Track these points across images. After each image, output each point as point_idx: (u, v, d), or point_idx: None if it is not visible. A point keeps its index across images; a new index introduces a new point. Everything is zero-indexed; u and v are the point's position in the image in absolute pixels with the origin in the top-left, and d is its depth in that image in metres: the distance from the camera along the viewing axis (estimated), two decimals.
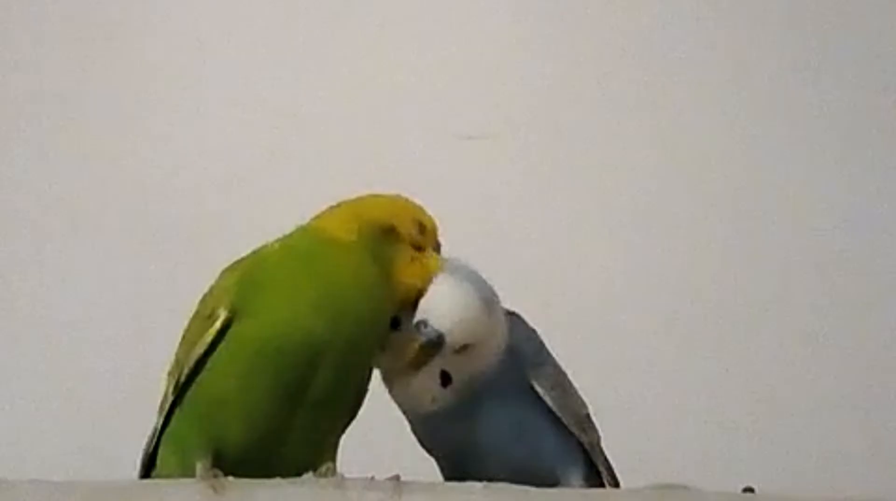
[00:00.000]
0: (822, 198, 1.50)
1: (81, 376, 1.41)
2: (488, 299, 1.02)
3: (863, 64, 1.52)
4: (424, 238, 1.04)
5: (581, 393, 1.08)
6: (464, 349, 1.01)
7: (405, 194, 1.05)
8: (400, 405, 1.05)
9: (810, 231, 1.49)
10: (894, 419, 1.42)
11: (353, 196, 1.04)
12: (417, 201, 1.05)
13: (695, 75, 1.52)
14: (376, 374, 1.04)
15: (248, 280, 0.99)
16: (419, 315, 1.00)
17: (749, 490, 1.05)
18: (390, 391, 1.04)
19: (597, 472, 1.07)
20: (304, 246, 1.01)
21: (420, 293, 1.01)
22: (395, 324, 1.02)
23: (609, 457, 1.08)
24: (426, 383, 1.02)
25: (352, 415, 1.03)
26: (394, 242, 1.02)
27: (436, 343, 0.99)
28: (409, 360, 1.00)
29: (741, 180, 1.50)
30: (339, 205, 1.04)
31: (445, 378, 1.02)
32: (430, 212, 1.05)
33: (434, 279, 1.01)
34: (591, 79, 1.52)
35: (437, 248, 1.05)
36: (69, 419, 1.39)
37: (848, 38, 1.53)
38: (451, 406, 1.02)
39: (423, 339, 0.99)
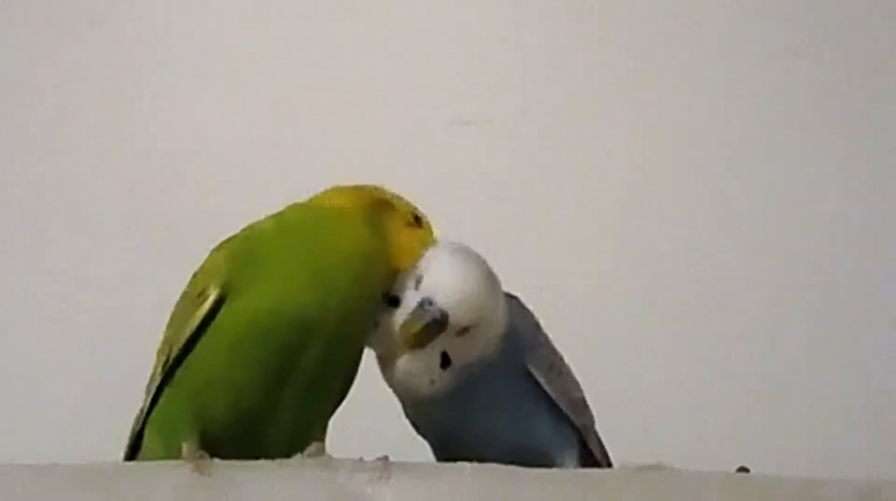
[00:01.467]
0: (817, 189, 1.49)
1: (68, 359, 1.41)
2: (492, 281, 1.01)
3: (857, 52, 1.51)
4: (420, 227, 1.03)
5: (577, 377, 1.08)
6: (465, 331, 0.99)
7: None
8: (395, 387, 1.03)
9: (801, 218, 1.49)
10: (889, 400, 1.42)
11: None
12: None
13: (689, 62, 1.52)
14: (367, 354, 1.03)
15: (239, 257, 0.98)
16: (423, 293, 0.99)
17: (743, 469, 1.05)
18: (385, 373, 1.03)
19: (592, 456, 1.06)
20: (300, 218, 1.00)
21: (417, 259, 1.00)
22: (395, 303, 1.00)
23: (604, 442, 1.08)
24: (426, 364, 1.00)
25: (342, 395, 1.02)
26: (391, 214, 1.02)
27: (440, 322, 0.98)
28: (410, 339, 0.99)
29: (735, 166, 1.50)
30: (331, 187, 1.03)
31: (445, 360, 1.00)
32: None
33: (437, 258, 1.00)
34: (584, 64, 1.52)
35: None
36: (57, 402, 1.39)
37: (842, 25, 1.52)
38: (447, 386, 1.01)
39: (427, 318, 0.98)
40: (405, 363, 1.00)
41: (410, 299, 0.99)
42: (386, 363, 1.02)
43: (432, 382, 1.01)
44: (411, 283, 1.00)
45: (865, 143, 1.50)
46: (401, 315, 0.99)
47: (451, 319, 0.98)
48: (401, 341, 0.99)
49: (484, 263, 1.01)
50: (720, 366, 1.42)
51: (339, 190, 1.03)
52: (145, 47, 1.51)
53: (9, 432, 1.37)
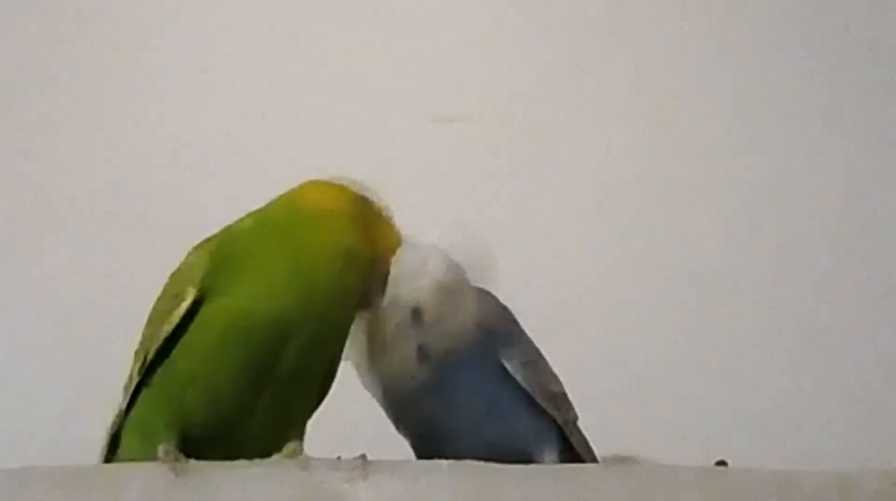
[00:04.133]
0: (813, 186, 1.49)
1: (43, 361, 1.40)
2: (454, 267, 1.02)
3: (856, 47, 1.51)
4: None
5: (559, 371, 1.07)
6: (439, 320, 1.00)
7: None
8: (376, 390, 1.03)
9: (792, 217, 1.48)
10: (867, 393, 1.41)
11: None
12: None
13: (677, 58, 1.52)
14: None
15: (218, 257, 0.98)
16: (391, 292, 0.99)
17: (722, 463, 1.05)
18: (365, 379, 1.03)
19: (573, 451, 1.06)
20: (281, 217, 1.00)
21: (392, 260, 1.00)
22: (366, 306, 1.01)
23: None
24: (404, 359, 1.00)
25: (321, 395, 1.02)
26: (372, 212, 1.01)
27: (413, 318, 0.99)
28: (385, 339, 0.99)
29: (721, 163, 1.50)
30: (311, 182, 1.03)
31: (422, 353, 1.00)
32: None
33: (401, 254, 1.01)
34: (569, 61, 1.51)
35: None
36: (33, 404, 1.39)
37: (840, 23, 1.52)
38: (425, 384, 1.01)
39: (398, 316, 0.99)
40: (384, 365, 1.01)
41: (378, 299, 1.00)
42: (364, 369, 1.03)
43: (413, 378, 1.01)
44: (381, 283, 1.00)
45: (867, 139, 1.50)
46: (373, 317, 1.00)
47: (424, 312, 0.99)
48: (376, 341, 0.99)
49: (443, 251, 1.02)
50: (700, 361, 1.42)
51: (320, 187, 1.02)
52: (130, 49, 1.50)
53: None
